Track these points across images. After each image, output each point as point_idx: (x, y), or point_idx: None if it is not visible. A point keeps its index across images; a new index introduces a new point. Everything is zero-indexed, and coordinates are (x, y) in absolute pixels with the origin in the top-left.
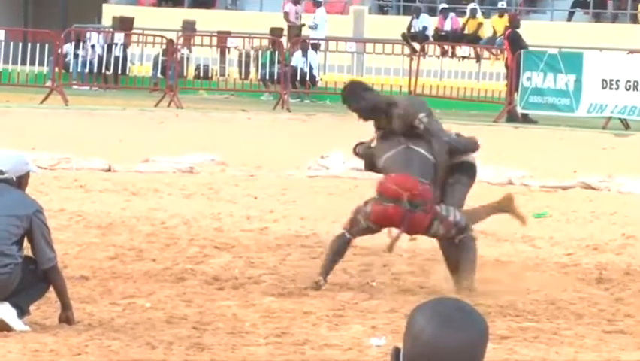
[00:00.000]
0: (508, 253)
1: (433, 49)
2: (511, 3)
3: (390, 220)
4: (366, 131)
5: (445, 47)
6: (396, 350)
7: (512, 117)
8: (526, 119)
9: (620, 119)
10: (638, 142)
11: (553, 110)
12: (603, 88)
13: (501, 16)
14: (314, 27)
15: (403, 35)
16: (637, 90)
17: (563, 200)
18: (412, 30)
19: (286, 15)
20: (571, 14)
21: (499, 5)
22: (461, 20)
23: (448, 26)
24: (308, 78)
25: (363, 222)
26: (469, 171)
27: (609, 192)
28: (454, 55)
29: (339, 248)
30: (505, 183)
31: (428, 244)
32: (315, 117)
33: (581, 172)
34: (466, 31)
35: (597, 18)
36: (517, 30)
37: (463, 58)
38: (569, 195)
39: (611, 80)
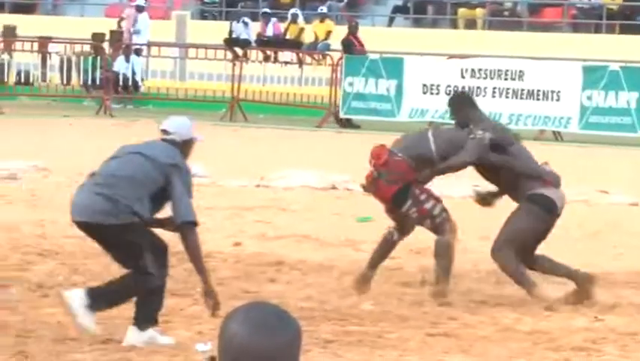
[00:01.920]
0: (332, 257)
1: (255, 54)
2: (332, 8)
3: (368, 184)
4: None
5: (268, 52)
6: (212, 359)
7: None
8: (348, 123)
9: (440, 123)
10: None
11: (376, 115)
12: (424, 93)
13: (322, 21)
14: (137, 32)
15: (226, 40)
16: None
17: None
18: (234, 35)
19: (122, 20)
20: (391, 20)
21: (320, 10)
22: (283, 26)
23: (270, 32)
24: (130, 83)
25: None
26: (543, 204)
27: None
28: (276, 60)
29: (382, 243)
30: (328, 188)
31: (252, 249)
32: (138, 123)
33: None
34: (287, 37)
35: (417, 23)
36: (353, 35)
37: (286, 63)
38: None
39: (432, 85)
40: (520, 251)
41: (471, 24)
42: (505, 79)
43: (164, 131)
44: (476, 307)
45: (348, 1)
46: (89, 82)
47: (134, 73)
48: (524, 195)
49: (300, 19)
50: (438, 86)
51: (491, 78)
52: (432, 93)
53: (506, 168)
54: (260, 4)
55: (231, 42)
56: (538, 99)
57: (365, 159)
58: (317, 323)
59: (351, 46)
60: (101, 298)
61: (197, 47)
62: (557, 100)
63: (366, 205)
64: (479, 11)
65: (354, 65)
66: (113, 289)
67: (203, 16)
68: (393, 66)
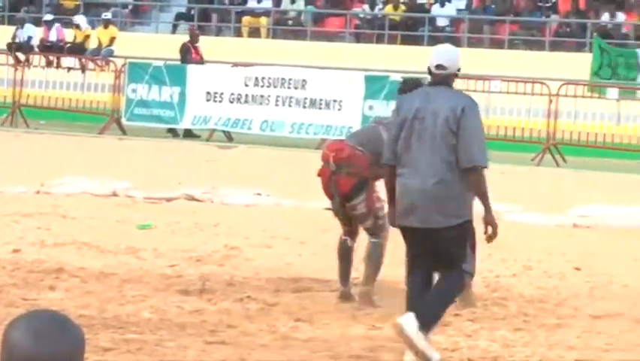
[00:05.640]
0: (112, 265)
1: (38, 59)
2: (116, 14)
3: (324, 182)
4: None
5: (51, 57)
6: None
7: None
8: (189, 134)
9: (223, 131)
10: (241, 154)
11: (159, 122)
12: (207, 100)
13: (106, 27)
14: None
15: (8, 45)
16: (240, 103)
17: (167, 211)
18: (17, 40)
19: None
20: (175, 27)
21: (104, 16)
22: (67, 31)
23: (53, 37)
24: None
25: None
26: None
27: (212, 203)
28: (59, 66)
29: (341, 253)
30: (109, 195)
31: (32, 256)
32: None
33: (186, 184)
34: (73, 42)
35: (201, 31)
36: (192, 44)
37: (69, 69)
38: (173, 207)
39: (215, 93)
40: None
41: (255, 32)
42: (288, 87)
43: (441, 67)
44: (255, 315)
45: (132, 8)
46: None
47: None
48: None
49: (85, 25)
50: (221, 93)
51: (274, 87)
52: (215, 101)
53: None
54: (43, 9)
55: (14, 47)
56: (320, 108)
57: (145, 166)
58: (96, 331)
59: (188, 54)
60: (429, 316)
61: None
62: (339, 109)
63: (148, 212)
64: (263, 20)
65: (137, 71)
66: (437, 302)
67: None
68: (176, 73)
